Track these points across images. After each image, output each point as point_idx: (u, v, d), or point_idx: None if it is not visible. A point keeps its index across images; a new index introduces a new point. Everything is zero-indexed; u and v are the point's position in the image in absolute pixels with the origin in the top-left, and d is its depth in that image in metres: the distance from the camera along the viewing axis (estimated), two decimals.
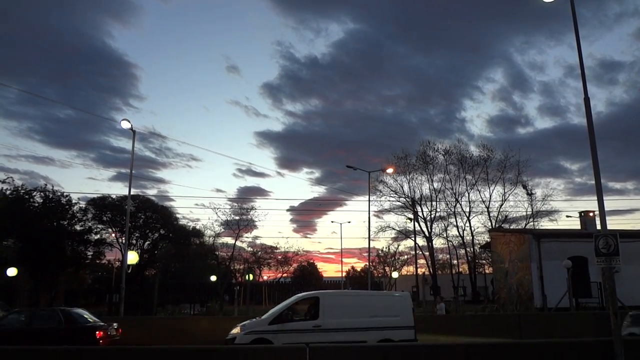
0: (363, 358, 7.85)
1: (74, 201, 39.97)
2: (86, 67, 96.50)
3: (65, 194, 39.41)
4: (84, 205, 41.65)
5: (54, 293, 40.77)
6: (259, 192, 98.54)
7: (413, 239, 48.32)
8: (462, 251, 54.89)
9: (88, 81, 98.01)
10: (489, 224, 51.50)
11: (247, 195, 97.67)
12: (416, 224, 49.09)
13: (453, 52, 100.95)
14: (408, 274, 60.29)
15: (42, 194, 38.53)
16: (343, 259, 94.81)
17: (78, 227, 40.35)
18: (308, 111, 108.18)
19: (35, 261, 35.57)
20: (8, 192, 36.98)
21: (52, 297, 40.16)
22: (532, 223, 49.37)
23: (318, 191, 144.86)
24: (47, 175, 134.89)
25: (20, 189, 37.78)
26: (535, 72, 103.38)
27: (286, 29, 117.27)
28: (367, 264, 44.13)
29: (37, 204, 38.03)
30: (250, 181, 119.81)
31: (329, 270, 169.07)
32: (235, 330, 14.54)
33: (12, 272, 34.53)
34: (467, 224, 52.69)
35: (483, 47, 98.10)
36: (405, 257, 56.29)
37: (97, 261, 45.99)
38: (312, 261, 70.60)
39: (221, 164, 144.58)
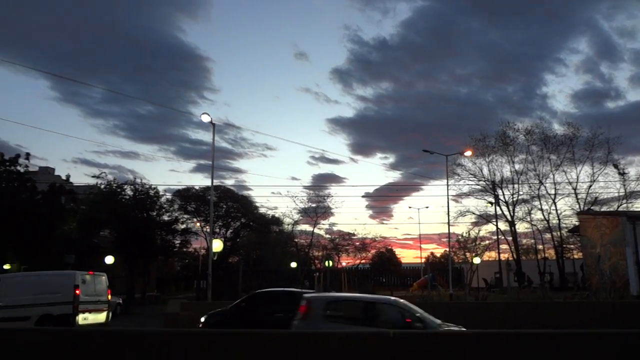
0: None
1: (160, 193, 42.30)
2: (162, 63, 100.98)
3: (152, 186, 41.79)
4: (170, 197, 43.97)
5: (147, 279, 43.51)
6: (334, 179, 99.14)
7: (494, 223, 46.78)
8: (548, 235, 52.35)
9: (164, 76, 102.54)
10: (577, 206, 48.73)
11: (321, 182, 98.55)
12: (497, 207, 47.51)
13: (531, 23, 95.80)
14: (490, 259, 58.53)
15: (132, 187, 41.10)
16: (422, 245, 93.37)
17: (166, 218, 42.74)
18: (379, 95, 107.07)
19: (129, 250, 38.08)
20: (102, 186, 39.79)
21: (145, 283, 42.90)
22: (625, 204, 46.19)
23: (393, 176, 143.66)
24: (133, 169, 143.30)
25: (112, 183, 40.52)
26: (625, 39, 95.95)
27: (353, 11, 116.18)
28: (447, 249, 43.36)
29: (128, 197, 40.63)
30: (324, 168, 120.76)
31: (407, 256, 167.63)
32: None
33: (109, 260, 37.23)
34: (553, 207, 50.16)
35: (565, 16, 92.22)
36: (487, 242, 54.56)
37: (184, 249, 48.48)
38: (390, 247, 70.27)
39: (295, 152, 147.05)
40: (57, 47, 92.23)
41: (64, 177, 41.72)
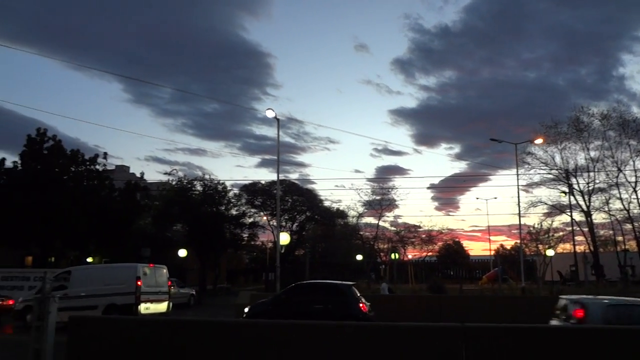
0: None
1: (228, 188, 43.49)
2: (226, 62, 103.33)
3: (220, 181, 43.02)
4: (237, 192, 45.13)
5: (217, 271, 45.02)
6: (397, 170, 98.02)
7: (569, 214, 44.72)
8: (629, 226, 49.27)
9: (229, 74, 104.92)
10: None
11: (385, 174, 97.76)
12: (571, 197, 45.32)
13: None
14: (565, 251, 56.02)
15: (201, 182, 42.52)
16: (490, 237, 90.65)
17: (234, 212, 43.88)
18: (442, 84, 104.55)
19: (200, 243, 39.49)
20: (173, 182, 41.45)
21: (216, 275, 44.41)
22: None
23: (459, 167, 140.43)
24: (202, 165, 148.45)
25: (183, 179, 42.09)
26: None
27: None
28: (518, 241, 41.90)
29: (197, 192, 42.05)
30: (388, 160, 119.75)
31: (476, 248, 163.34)
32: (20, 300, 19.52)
33: (182, 253, 38.92)
34: (634, 196, 47.24)
35: None
36: (561, 233, 52.23)
37: (252, 242, 49.62)
38: (457, 239, 68.71)
39: (358, 145, 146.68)
40: (128, 51, 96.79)
41: (138, 175, 43.79)
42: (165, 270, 19.85)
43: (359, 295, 15.61)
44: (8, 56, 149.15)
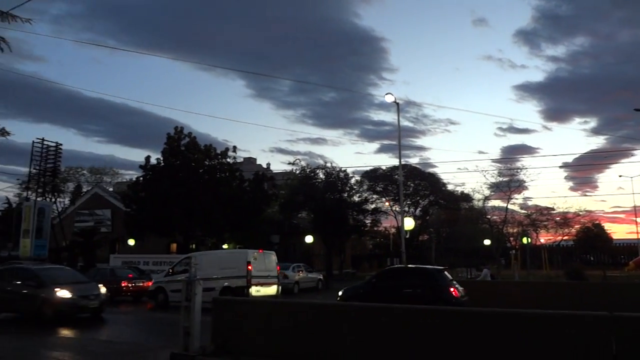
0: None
1: (349, 175, 44.05)
2: (342, 50, 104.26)
3: (341, 169, 43.69)
4: (358, 178, 45.52)
5: (342, 257, 46.00)
6: (525, 149, 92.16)
7: None
8: None
9: (344, 63, 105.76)
10: None
11: (511, 154, 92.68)
12: None
13: None
14: None
15: (323, 171, 43.54)
16: (637, 219, 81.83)
17: (356, 198, 44.37)
18: (573, 52, 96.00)
19: (325, 230, 40.55)
20: (297, 172, 42.93)
21: (341, 261, 45.42)
22: None
23: (596, 142, 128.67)
24: (322, 154, 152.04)
25: (306, 168, 43.42)
26: None
27: None
28: None
29: (320, 180, 43.12)
30: (513, 139, 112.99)
31: (619, 231, 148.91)
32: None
33: (309, 239, 40.35)
34: None
35: None
36: None
37: (375, 228, 49.86)
38: (597, 222, 62.98)
39: (480, 125, 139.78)
40: (249, 48, 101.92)
41: (264, 166, 46.04)
42: (273, 256, 20.92)
43: (450, 279, 15.76)
44: (147, 63, 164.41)
